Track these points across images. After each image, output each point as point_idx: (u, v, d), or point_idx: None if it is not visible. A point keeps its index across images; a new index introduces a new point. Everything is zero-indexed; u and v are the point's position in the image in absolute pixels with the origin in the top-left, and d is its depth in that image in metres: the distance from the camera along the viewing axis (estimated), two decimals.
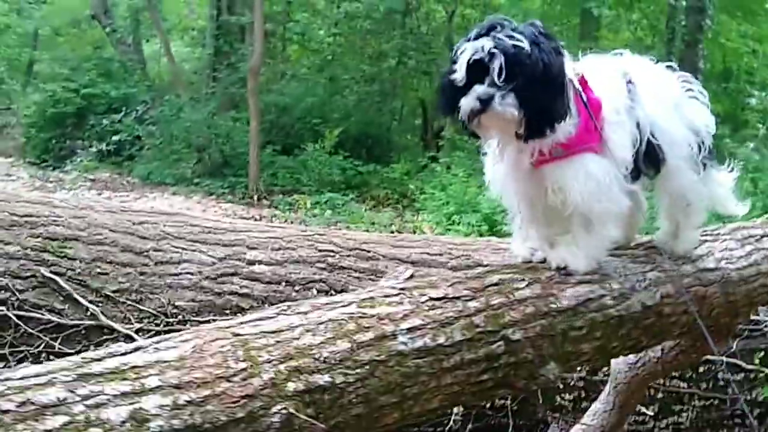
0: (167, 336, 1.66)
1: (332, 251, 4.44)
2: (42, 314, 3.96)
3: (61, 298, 4.00)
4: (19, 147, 19.45)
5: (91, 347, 3.98)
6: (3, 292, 3.90)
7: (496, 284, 2.11)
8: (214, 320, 4.14)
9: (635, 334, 2.29)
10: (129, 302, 4.13)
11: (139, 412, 1.45)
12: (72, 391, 1.42)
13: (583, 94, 2.24)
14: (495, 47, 2.03)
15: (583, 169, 2.20)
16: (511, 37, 2.05)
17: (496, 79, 2.04)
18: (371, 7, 17.54)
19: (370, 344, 1.77)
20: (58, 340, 3.94)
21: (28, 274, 3.99)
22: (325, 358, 1.69)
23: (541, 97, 2.09)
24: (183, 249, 4.35)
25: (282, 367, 1.62)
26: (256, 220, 10.99)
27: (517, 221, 2.46)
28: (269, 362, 1.63)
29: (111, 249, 4.24)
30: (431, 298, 1.97)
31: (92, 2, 21.15)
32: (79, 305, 4.00)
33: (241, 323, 1.75)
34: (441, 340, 1.88)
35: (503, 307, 2.04)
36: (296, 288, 4.28)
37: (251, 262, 4.32)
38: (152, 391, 1.48)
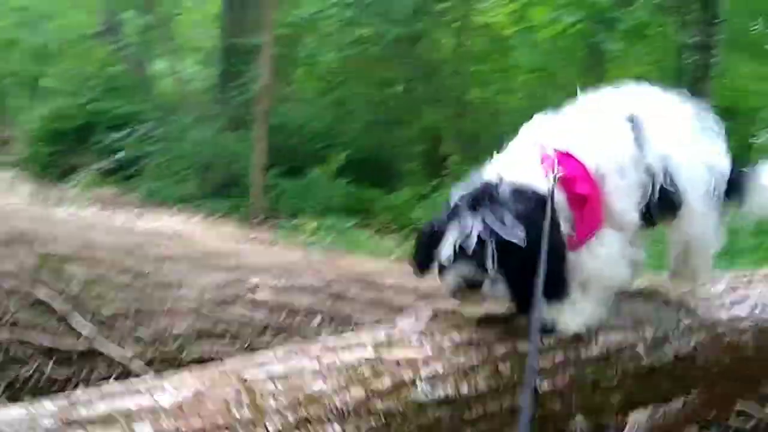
0: (167, 377, 1.51)
1: (337, 279, 4.29)
2: (35, 336, 3.81)
3: (56, 320, 3.85)
4: (23, 161, 19.37)
5: (84, 372, 3.84)
6: None
7: (524, 327, 1.96)
8: (213, 348, 4.01)
9: (666, 385, 2.14)
10: (126, 326, 3.98)
11: None
12: None
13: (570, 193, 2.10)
14: (486, 233, 1.93)
15: (588, 256, 2.10)
16: (501, 224, 1.94)
17: (488, 267, 1.93)
18: (380, 33, 17.52)
19: (387, 392, 1.62)
20: (50, 364, 3.80)
21: (23, 293, 3.85)
22: (336, 407, 1.54)
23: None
24: (183, 272, 4.21)
25: (290, 416, 1.47)
26: (257, 241, 10.85)
27: None
28: (276, 411, 1.48)
29: (109, 270, 4.11)
30: (455, 343, 1.82)
31: (101, 18, 21.20)
32: (75, 328, 3.86)
33: (248, 366, 1.60)
34: (464, 389, 1.73)
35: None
36: (298, 317, 4.13)
37: (252, 289, 4.18)
38: None
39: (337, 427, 1.52)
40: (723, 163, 2.37)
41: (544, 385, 1.86)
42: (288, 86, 19.32)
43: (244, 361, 1.63)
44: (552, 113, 2.28)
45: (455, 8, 18.13)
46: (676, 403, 2.63)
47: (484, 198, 1.99)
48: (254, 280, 4.00)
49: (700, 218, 2.31)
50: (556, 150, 2.11)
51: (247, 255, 4.48)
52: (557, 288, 1.97)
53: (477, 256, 1.91)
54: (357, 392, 1.59)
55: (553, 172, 2.05)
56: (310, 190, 14.47)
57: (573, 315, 2.12)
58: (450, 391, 1.71)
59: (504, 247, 1.90)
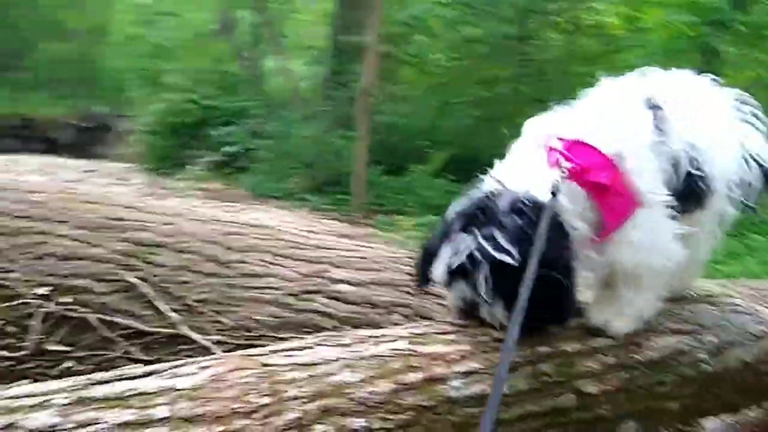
0: (188, 361, 1.50)
1: None
2: (123, 319, 3.90)
3: (143, 305, 3.94)
4: (139, 153, 20.09)
5: (169, 356, 3.92)
6: (85, 294, 3.87)
7: (573, 327, 1.87)
8: (294, 338, 4.03)
9: (730, 394, 2.01)
10: (210, 313, 4.04)
11: None
12: (65, 416, 1.27)
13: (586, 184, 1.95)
14: (478, 253, 1.80)
15: (623, 244, 1.95)
16: (494, 243, 1.79)
17: (482, 292, 1.81)
18: (489, 32, 17.35)
19: (417, 387, 1.57)
20: (137, 347, 3.88)
21: (112, 277, 3.95)
22: (362, 399, 1.50)
23: (535, 302, 1.74)
24: (268, 263, 4.24)
25: (311, 406, 1.43)
26: (355, 238, 10.89)
27: None
28: (297, 399, 1.44)
29: (196, 258, 4.17)
30: (494, 339, 1.75)
31: (218, 17, 21.81)
32: (160, 313, 3.93)
33: (273, 352, 1.58)
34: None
35: (578, 354, 1.80)
36: (379, 311, 4.11)
37: (335, 281, 4.18)
38: (158, 423, 1.32)
39: (361, 420, 1.48)
40: (761, 153, 2.20)
41: (592, 388, 1.77)
42: (394, 84, 19.38)
43: (270, 347, 1.61)
44: (565, 105, 2.15)
45: (565, 8, 17.80)
46: (754, 412, 2.48)
47: (477, 215, 1.88)
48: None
49: (720, 211, 2.16)
50: (564, 140, 1.97)
51: (333, 248, 4.50)
52: (556, 310, 1.83)
53: (472, 278, 1.81)
54: (385, 385, 1.55)
55: (559, 167, 1.90)
56: (412, 189, 14.45)
57: (622, 314, 1.99)
58: (486, 389, 1.65)
59: (497, 268, 1.77)
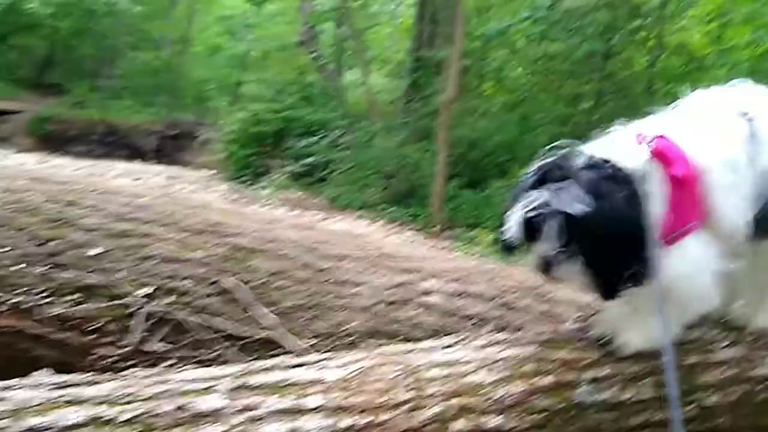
0: (335, 354, 1.58)
1: (511, 289, 4.26)
2: (219, 322, 4.00)
3: (239, 308, 4.03)
4: (221, 161, 20.52)
5: (262, 359, 3.99)
6: (186, 296, 3.98)
7: (694, 340, 1.89)
8: (381, 345, 4.08)
9: None
10: (303, 319, 4.11)
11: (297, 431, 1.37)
12: (231, 401, 1.36)
13: (664, 173, 1.86)
14: (549, 205, 1.74)
15: (677, 258, 1.83)
16: (568, 194, 1.73)
17: (551, 243, 1.75)
18: (572, 48, 17.24)
19: (549, 390, 1.62)
20: (233, 349, 3.98)
21: (211, 281, 4.05)
22: (497, 399, 1.55)
23: (611, 258, 1.74)
24: (359, 271, 4.30)
25: (450, 403, 1.50)
26: (434, 249, 10.95)
27: None
28: (437, 396, 1.51)
29: (292, 264, 4.25)
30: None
31: (300, 29, 22.15)
32: (256, 316, 4.02)
33: (413, 350, 1.65)
34: (628, 395, 1.70)
35: (699, 366, 1.82)
36: (469, 323, 4.13)
37: (426, 292, 4.22)
38: (313, 411, 1.40)
39: (497, 418, 1.54)
40: None
41: (713, 401, 1.79)
42: (474, 99, 19.40)
43: (409, 346, 1.68)
44: (653, 114, 2.12)
45: (649, 26, 17.59)
46: None
47: (554, 170, 1.83)
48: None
49: None
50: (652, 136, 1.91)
51: (423, 259, 4.54)
52: (634, 270, 1.74)
53: (547, 233, 1.74)
54: (518, 387, 1.60)
55: (647, 143, 1.85)
56: (490, 203, 14.44)
57: (639, 330, 1.88)
58: (614, 395, 1.68)
59: (572, 220, 1.70)
